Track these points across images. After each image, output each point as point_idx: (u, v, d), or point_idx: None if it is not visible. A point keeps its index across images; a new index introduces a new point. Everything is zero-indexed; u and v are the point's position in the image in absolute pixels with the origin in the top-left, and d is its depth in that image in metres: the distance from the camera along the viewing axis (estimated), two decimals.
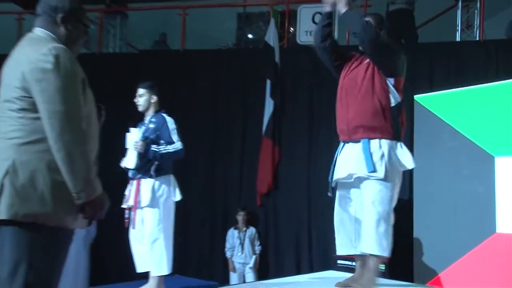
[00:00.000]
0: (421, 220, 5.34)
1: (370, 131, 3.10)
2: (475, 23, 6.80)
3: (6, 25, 7.90)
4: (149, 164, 4.06)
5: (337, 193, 3.30)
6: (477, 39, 6.63)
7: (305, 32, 7.25)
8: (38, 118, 1.96)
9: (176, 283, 4.36)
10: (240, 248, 6.31)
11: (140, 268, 4.19)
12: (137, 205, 4.06)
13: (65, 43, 2.12)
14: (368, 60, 3.20)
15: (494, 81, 4.95)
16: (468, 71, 6.04)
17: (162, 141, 4.10)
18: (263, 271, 6.34)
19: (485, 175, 4.74)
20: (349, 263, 5.03)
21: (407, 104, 5.86)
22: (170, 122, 4.16)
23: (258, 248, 6.40)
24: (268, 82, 6.63)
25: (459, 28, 6.89)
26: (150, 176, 4.05)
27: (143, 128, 4.23)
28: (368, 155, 3.06)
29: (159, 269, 4.01)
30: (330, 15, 3.29)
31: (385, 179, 3.04)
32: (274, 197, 6.61)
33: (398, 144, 3.15)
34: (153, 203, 4.03)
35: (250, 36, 9.47)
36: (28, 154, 1.96)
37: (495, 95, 4.80)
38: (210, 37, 9.07)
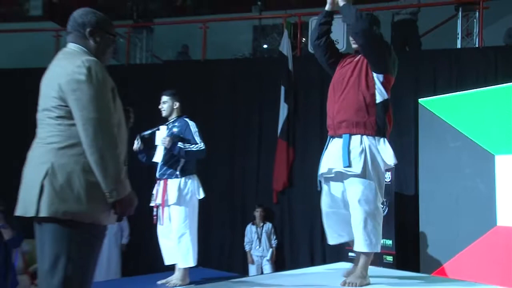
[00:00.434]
0: (426, 215, 5.30)
1: (353, 126, 2.98)
2: (475, 31, 6.74)
3: (44, 41, 8.03)
4: (176, 164, 4.07)
5: (323, 187, 3.19)
6: (477, 46, 6.57)
7: None
8: (74, 125, 1.99)
9: (199, 274, 4.35)
10: (258, 242, 6.31)
11: (167, 261, 4.20)
12: (164, 203, 4.06)
13: (95, 54, 2.15)
14: (360, 58, 3.08)
15: (493, 85, 4.90)
16: (469, 75, 6.00)
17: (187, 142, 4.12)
18: (279, 263, 6.33)
19: (486, 172, 4.70)
20: None
21: (412, 107, 5.89)
22: (193, 125, 4.15)
23: (274, 242, 6.39)
24: (282, 88, 6.62)
25: (459, 36, 6.82)
26: (176, 176, 4.06)
27: (167, 131, 4.25)
28: (346, 151, 2.95)
29: (185, 262, 4.01)
30: (329, 14, 3.17)
31: (364, 175, 2.93)
32: (289, 195, 6.60)
33: (381, 140, 3.01)
34: (180, 201, 4.02)
35: (265, 46, 9.48)
36: (65, 158, 1.98)
37: (495, 98, 4.75)
38: (229, 48, 9.08)
